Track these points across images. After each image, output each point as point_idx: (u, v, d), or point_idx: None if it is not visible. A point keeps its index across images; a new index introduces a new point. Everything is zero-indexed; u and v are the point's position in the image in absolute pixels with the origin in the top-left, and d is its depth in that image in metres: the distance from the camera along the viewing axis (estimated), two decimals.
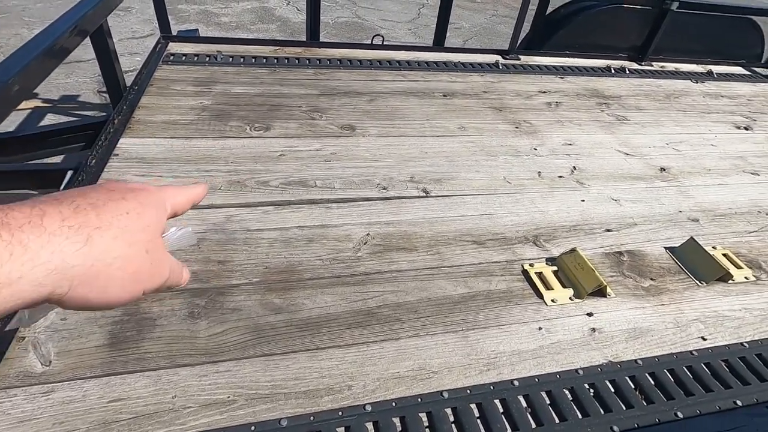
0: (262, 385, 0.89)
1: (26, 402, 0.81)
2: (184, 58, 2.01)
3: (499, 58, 2.47)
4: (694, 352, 1.08)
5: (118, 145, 1.46)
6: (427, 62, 2.30)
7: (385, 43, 2.49)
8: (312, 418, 0.85)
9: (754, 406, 0.98)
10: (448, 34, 2.55)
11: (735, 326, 1.17)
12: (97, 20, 1.48)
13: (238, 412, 0.85)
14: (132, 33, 4.93)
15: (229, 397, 0.87)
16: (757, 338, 1.15)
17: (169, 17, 2.13)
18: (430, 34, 2.70)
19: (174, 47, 2.09)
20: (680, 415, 0.95)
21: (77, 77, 4.02)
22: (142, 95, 1.72)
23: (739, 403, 0.98)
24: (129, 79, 1.81)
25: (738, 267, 1.35)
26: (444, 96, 2.05)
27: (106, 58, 1.65)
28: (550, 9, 2.61)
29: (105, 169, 1.36)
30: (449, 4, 2.42)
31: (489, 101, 2.07)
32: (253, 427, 0.82)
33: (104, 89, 3.89)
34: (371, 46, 2.39)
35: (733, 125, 2.22)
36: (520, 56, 2.51)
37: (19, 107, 1.30)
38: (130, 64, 4.06)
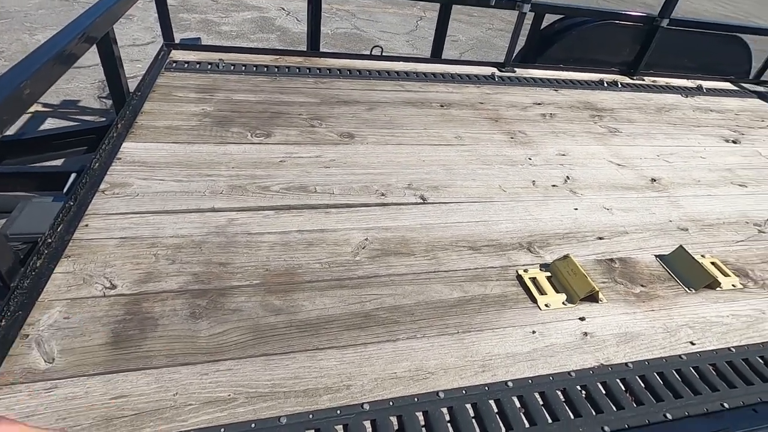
0: (262, 384, 0.91)
1: (30, 398, 0.83)
2: (186, 65, 2.05)
3: (495, 70, 2.53)
4: (683, 356, 1.11)
5: (121, 149, 1.48)
6: (425, 73, 2.35)
7: (383, 54, 2.54)
8: (311, 416, 0.87)
9: (741, 408, 1.01)
10: (445, 47, 2.60)
11: (722, 332, 1.21)
12: (104, 28, 1.51)
13: (239, 409, 0.87)
14: (133, 41, 4.97)
15: (229, 395, 0.89)
16: (743, 344, 1.18)
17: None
18: (427, 46, 2.76)
19: (176, 55, 2.13)
20: (669, 416, 0.97)
21: (78, 83, 4.05)
22: (145, 101, 1.75)
23: (726, 405, 1.01)
24: (131, 86, 1.84)
25: (726, 275, 1.39)
26: (441, 106, 2.09)
27: (111, 64, 1.68)
28: (544, 24, 2.68)
29: (108, 172, 1.38)
30: (447, 17, 2.49)
31: (485, 112, 2.11)
32: (253, 425, 0.84)
33: (105, 95, 3.92)
34: (370, 57, 2.44)
35: (722, 138, 2.28)
36: (515, 69, 2.57)
37: None
38: (131, 70, 4.09)
